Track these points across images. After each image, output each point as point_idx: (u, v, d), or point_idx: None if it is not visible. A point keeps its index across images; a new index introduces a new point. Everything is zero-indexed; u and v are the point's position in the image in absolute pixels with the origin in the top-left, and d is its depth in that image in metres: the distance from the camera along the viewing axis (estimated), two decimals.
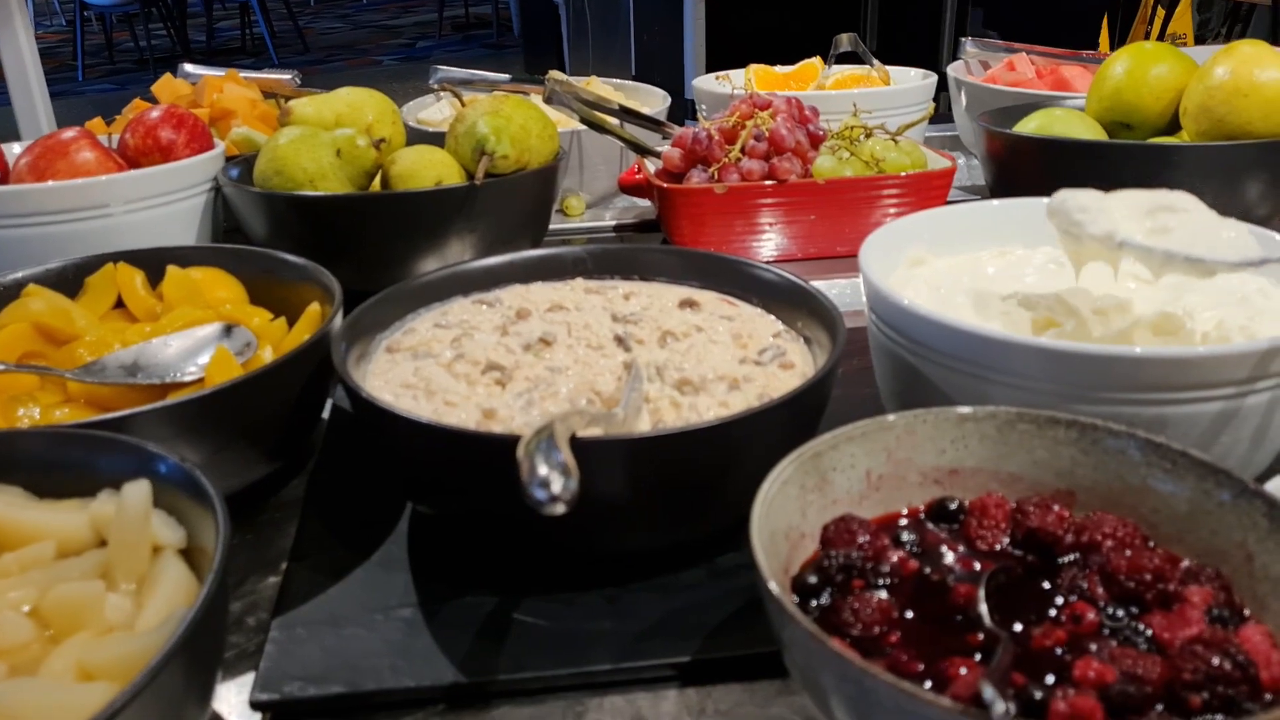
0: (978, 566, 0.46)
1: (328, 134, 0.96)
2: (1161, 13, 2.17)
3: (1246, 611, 0.43)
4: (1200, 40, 2.72)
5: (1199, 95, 0.98)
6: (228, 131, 1.20)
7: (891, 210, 1.05)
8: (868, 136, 1.09)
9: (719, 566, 0.58)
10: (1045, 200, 0.63)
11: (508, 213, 0.97)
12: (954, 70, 1.49)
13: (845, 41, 1.54)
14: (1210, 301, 0.65)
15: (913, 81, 1.44)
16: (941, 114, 1.60)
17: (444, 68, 1.32)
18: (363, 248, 0.94)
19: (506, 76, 1.32)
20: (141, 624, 0.45)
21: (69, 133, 1.00)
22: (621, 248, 0.79)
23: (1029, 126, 1.08)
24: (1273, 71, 0.94)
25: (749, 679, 0.51)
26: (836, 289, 1.00)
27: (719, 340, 0.68)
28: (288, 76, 1.42)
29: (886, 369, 0.65)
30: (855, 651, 0.40)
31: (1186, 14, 2.07)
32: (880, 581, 0.45)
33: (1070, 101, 1.17)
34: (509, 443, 0.46)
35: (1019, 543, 0.47)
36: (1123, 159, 0.97)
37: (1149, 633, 0.41)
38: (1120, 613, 0.43)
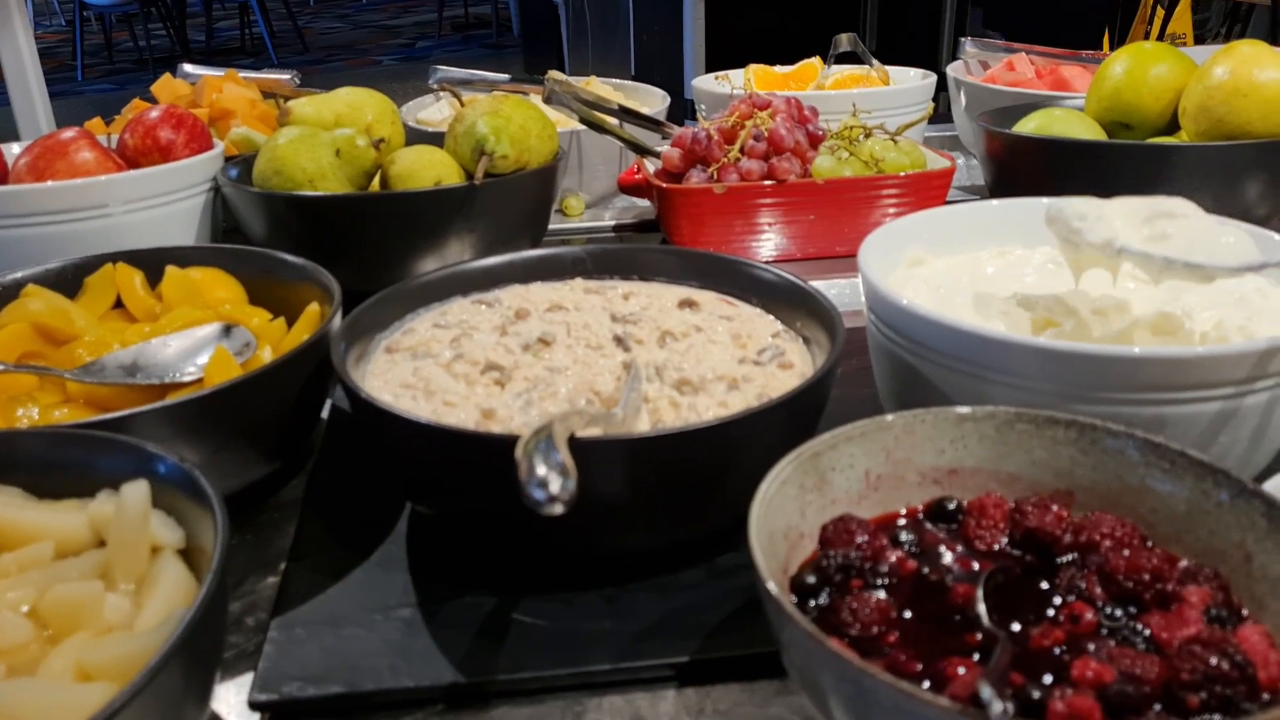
0: (976, 566, 0.46)
1: (327, 134, 0.96)
2: (1161, 13, 2.17)
3: (1245, 611, 0.43)
4: (1199, 40, 2.72)
5: (1198, 95, 0.98)
6: (227, 131, 1.20)
7: (891, 210, 1.05)
8: (867, 136, 1.09)
9: (718, 566, 0.58)
10: (1045, 200, 0.63)
11: (507, 213, 0.97)
12: (953, 70, 1.49)
13: (845, 41, 1.54)
14: (1209, 301, 0.65)
15: (912, 81, 1.44)
16: (941, 114, 1.60)
17: (443, 68, 1.32)
18: (362, 248, 0.94)
19: (506, 76, 1.32)
20: (140, 624, 0.45)
21: (68, 133, 1.00)
22: (621, 248, 0.79)
23: (1028, 126, 1.08)
24: (1272, 71, 0.94)
25: (748, 679, 0.51)
26: (836, 289, 1.00)
27: (718, 340, 0.68)
28: (287, 76, 1.42)
29: (885, 369, 0.65)
30: (854, 651, 0.40)
31: (1186, 14, 2.07)
32: (879, 581, 0.45)
33: (1070, 101, 1.17)
34: (508, 443, 0.46)
35: (1017, 543, 0.47)
36: (1122, 159, 0.97)
37: (1147, 633, 0.41)
38: (1118, 612, 0.43)
